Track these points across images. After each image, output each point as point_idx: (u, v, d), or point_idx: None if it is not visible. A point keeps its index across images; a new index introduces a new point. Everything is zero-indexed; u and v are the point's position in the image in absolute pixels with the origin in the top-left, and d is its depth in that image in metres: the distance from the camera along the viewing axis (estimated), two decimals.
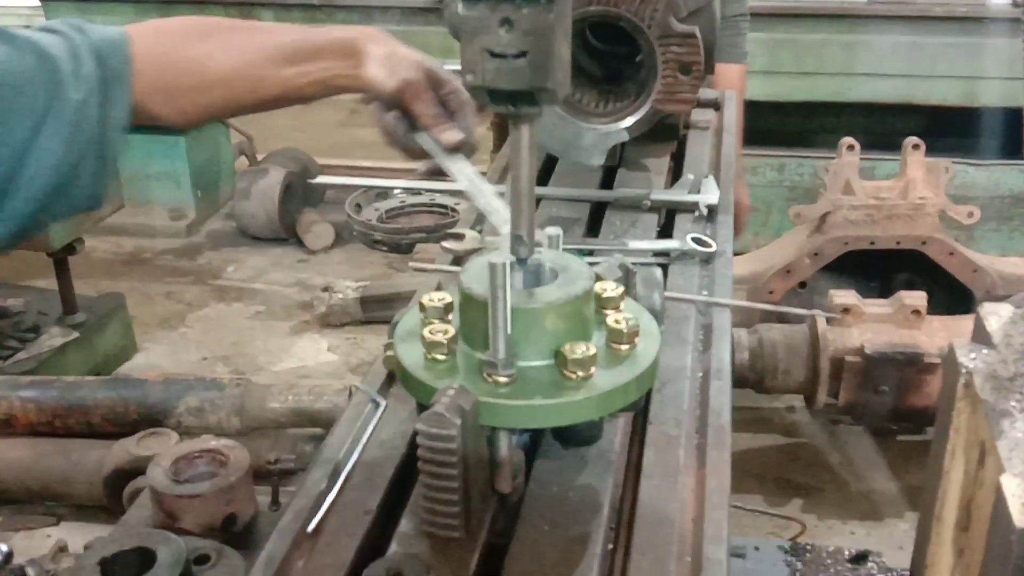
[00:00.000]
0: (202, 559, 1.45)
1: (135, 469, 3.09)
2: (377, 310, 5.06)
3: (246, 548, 1.52)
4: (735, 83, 3.55)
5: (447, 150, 1.46)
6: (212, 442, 1.67)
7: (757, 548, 2.19)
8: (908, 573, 1.56)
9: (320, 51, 1.48)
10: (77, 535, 3.61)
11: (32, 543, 3.77)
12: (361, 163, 6.41)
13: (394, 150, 1.53)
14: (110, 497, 3.44)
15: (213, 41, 1.48)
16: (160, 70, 1.41)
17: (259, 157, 6.26)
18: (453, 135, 1.46)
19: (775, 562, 2.14)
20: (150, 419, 3.58)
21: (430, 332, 1.12)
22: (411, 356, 1.13)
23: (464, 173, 1.44)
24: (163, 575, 1.34)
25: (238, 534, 1.60)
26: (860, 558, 2.17)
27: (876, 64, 5.03)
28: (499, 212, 1.34)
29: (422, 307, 1.17)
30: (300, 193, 5.92)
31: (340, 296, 5.12)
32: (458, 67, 1.07)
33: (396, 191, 5.71)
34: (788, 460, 3.98)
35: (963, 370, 1.24)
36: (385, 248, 5.80)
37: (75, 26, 1.35)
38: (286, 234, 5.90)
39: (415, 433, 1.02)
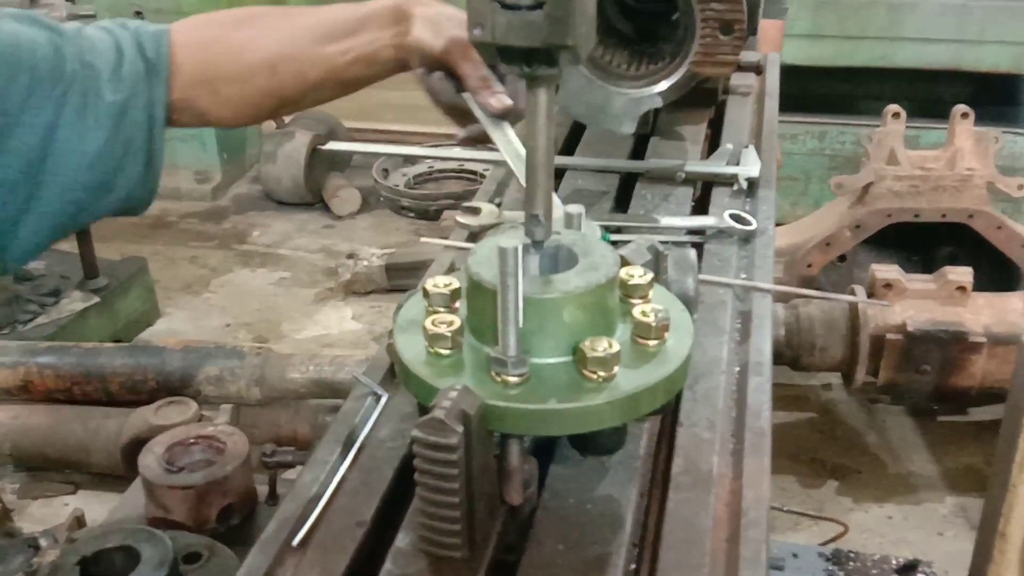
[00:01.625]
0: (192, 557, 1.35)
1: (153, 438, 3.03)
2: (403, 278, 4.97)
3: (243, 543, 1.42)
4: (774, 39, 3.40)
5: (492, 116, 1.33)
6: (209, 428, 1.57)
7: (795, 555, 2.05)
8: None
9: (363, 23, 1.41)
10: (95, 504, 3.56)
11: (50, 511, 3.74)
12: (390, 127, 6.29)
13: (440, 112, 1.42)
14: (128, 466, 3.38)
15: (253, 27, 1.44)
16: (202, 61, 1.38)
17: (286, 120, 6.16)
18: (499, 100, 1.34)
19: (815, 570, 2.01)
20: (169, 387, 3.53)
21: (433, 323, 0.99)
22: (411, 349, 1.00)
23: (507, 141, 1.32)
24: (147, 575, 1.24)
25: (235, 527, 1.51)
26: (909, 568, 2.02)
27: (923, 28, 4.83)
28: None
29: (425, 293, 1.04)
30: (327, 157, 5.82)
31: (365, 263, 5.05)
32: None
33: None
34: (824, 440, 3.86)
35: None
36: (412, 214, 5.70)
37: (120, 23, 1.35)
38: (312, 199, 5.83)
39: None
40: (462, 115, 1.39)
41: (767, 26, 3.37)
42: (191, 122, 1.41)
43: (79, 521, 2.98)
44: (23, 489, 3.78)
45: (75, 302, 4.45)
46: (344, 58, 1.40)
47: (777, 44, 3.49)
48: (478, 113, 1.34)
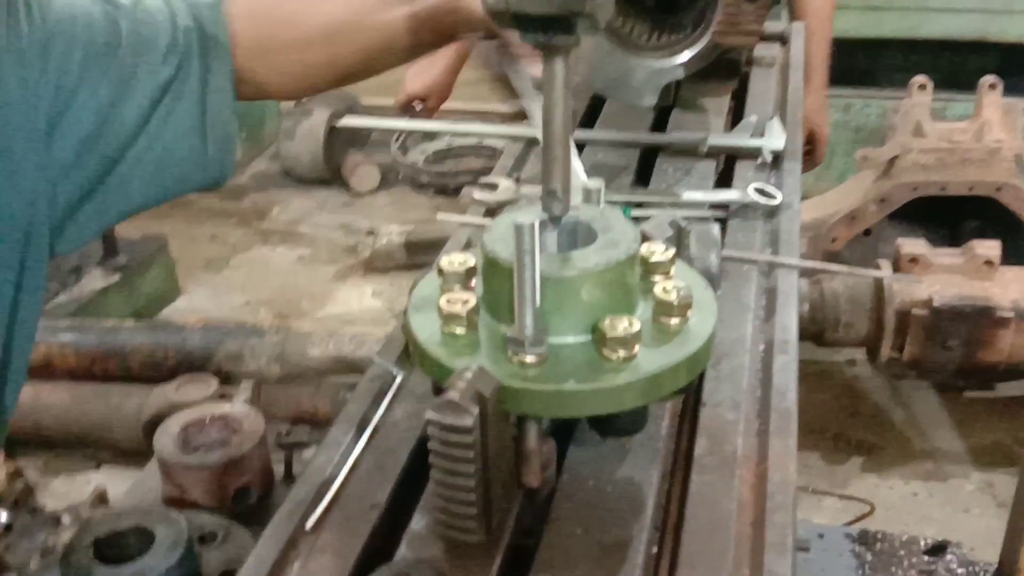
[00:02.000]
0: (208, 537, 1.33)
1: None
2: (423, 255, 4.94)
3: (260, 523, 1.41)
4: (827, 8, 3.27)
5: (535, 86, 1.30)
6: (225, 407, 1.55)
7: (821, 536, 2.02)
8: (995, 568, 1.39)
9: None
10: (117, 480, 3.57)
11: (73, 487, 3.76)
12: None
13: (491, 80, 1.39)
14: (149, 443, 3.38)
15: None
16: (257, 28, 1.33)
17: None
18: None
19: (841, 551, 1.97)
20: (189, 365, 3.54)
21: (448, 301, 0.97)
22: (426, 328, 0.98)
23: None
24: (162, 556, 1.22)
25: (251, 507, 1.49)
26: (938, 549, 1.97)
27: None
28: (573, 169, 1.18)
29: (440, 271, 1.01)
30: (346, 134, 5.79)
31: (385, 240, 5.03)
32: None
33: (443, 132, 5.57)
34: (848, 416, 3.82)
35: None
36: (432, 191, 5.67)
37: None
38: (331, 176, 5.81)
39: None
40: (509, 84, 1.35)
41: None
42: (253, 94, 1.36)
43: (101, 497, 2.99)
44: (45, 466, 3.80)
45: (96, 280, 4.46)
46: (402, 24, 1.35)
47: (829, 15, 3.32)
48: (517, 85, 1.31)
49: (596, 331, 0.94)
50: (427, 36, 1.35)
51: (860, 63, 5.05)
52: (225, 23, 1.29)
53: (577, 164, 1.24)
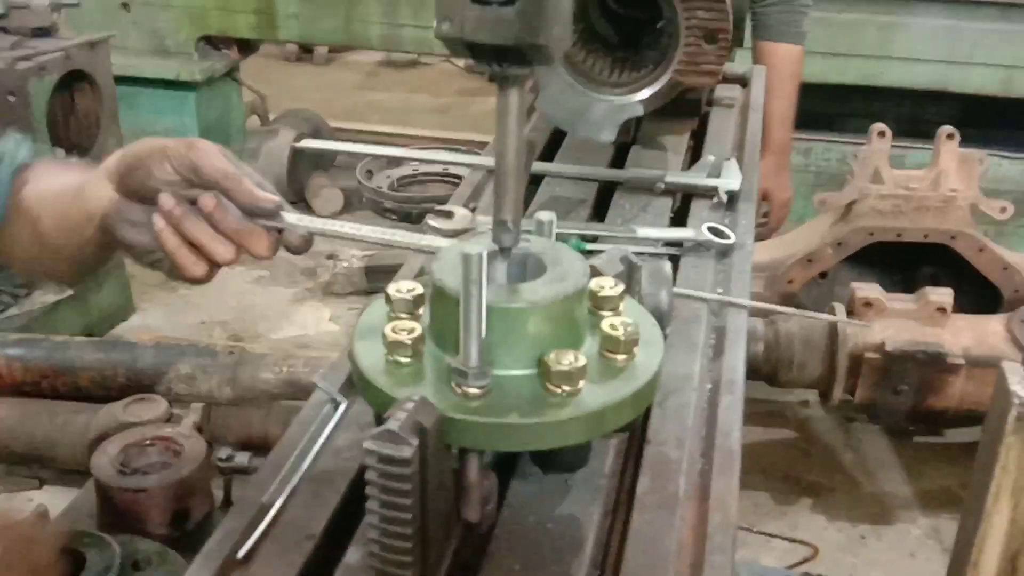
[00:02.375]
0: (141, 563, 1.30)
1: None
2: (382, 280, 4.85)
3: (196, 550, 1.38)
4: (791, 66, 3.31)
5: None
6: (167, 429, 1.52)
7: None
8: None
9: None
10: (60, 500, 3.48)
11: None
12: (376, 127, 6.25)
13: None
14: None
15: None
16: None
17: (271, 117, 6.11)
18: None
19: None
20: (140, 384, 3.47)
21: (393, 330, 0.95)
22: (370, 356, 0.96)
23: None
24: None
25: (190, 532, 1.46)
26: None
27: (912, 48, 4.83)
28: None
29: (388, 298, 1.00)
30: (310, 156, 5.77)
31: (345, 264, 5.01)
32: None
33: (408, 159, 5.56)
34: (798, 457, 3.84)
35: (1016, 400, 1.06)
36: (395, 217, 5.66)
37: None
38: (295, 198, 5.77)
39: None
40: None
41: (783, 51, 3.25)
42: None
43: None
44: None
45: (48, 294, 4.38)
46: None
47: (796, 73, 3.36)
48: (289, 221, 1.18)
49: (541, 364, 0.93)
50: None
51: (823, 108, 5.13)
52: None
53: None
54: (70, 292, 4.41)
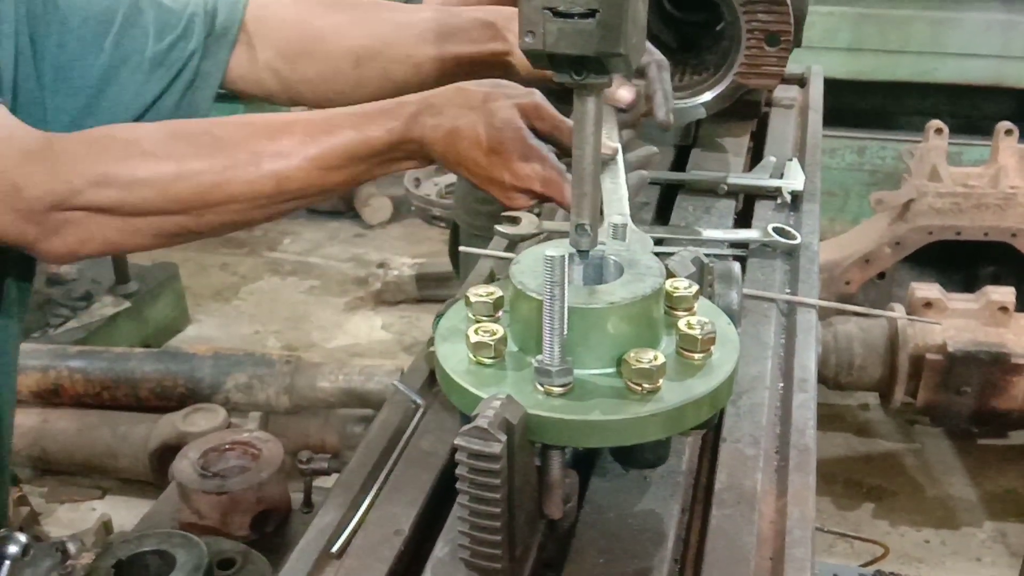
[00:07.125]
0: (226, 563, 1.33)
1: (181, 445, 3.03)
2: (433, 288, 4.96)
3: (276, 551, 1.41)
4: None
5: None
6: (245, 434, 1.56)
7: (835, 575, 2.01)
8: None
9: (455, 31, 1.41)
10: (122, 509, 3.57)
11: (77, 515, 3.74)
12: None
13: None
14: (156, 472, 3.39)
15: (342, 14, 1.45)
16: (289, 33, 1.40)
17: None
18: (629, 92, 1.37)
19: None
20: (198, 394, 3.53)
21: (476, 332, 0.98)
22: (453, 358, 0.99)
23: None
24: None
25: (269, 534, 1.50)
26: None
27: (966, 43, 4.78)
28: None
29: (468, 302, 1.03)
30: None
31: (396, 273, 5.05)
32: None
33: None
34: (860, 461, 3.80)
35: None
36: (443, 224, 5.68)
37: None
38: (343, 207, 5.83)
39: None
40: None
41: None
42: (281, 92, 1.41)
43: (106, 526, 2.98)
44: (50, 493, 3.80)
45: (106, 307, 4.47)
46: (434, 64, 1.40)
47: None
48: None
49: (621, 363, 0.95)
50: (466, 79, 1.37)
51: (876, 105, 5.08)
52: (240, 20, 1.36)
53: (624, 193, 1.25)
54: (127, 305, 4.49)
